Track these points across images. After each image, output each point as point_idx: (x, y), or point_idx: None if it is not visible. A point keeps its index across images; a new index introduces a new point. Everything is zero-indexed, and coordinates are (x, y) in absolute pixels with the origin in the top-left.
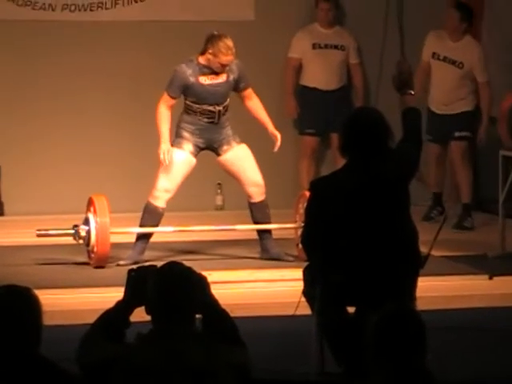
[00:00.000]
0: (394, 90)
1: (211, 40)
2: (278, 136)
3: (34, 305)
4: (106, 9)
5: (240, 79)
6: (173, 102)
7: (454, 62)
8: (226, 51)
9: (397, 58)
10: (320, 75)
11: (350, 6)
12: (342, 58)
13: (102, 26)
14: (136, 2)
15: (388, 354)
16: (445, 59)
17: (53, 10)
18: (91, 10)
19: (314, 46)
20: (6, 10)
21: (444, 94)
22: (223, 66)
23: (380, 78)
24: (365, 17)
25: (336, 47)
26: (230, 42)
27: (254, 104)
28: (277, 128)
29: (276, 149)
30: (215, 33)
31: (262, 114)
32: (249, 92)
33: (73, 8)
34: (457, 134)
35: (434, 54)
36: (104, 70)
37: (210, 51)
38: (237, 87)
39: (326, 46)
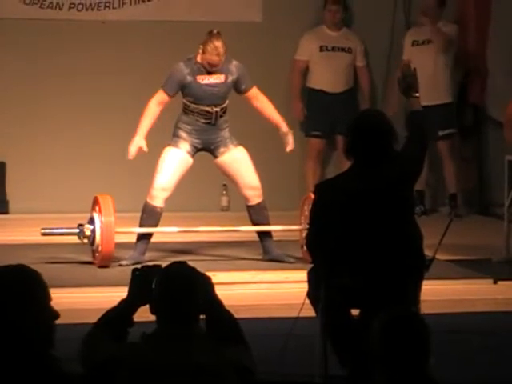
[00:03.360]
0: (400, 93)
1: (205, 39)
2: (291, 137)
3: (38, 287)
4: (113, 8)
5: (240, 81)
6: (166, 99)
7: (432, 42)
8: (211, 51)
9: (404, 62)
10: (327, 77)
11: (357, 8)
12: (348, 60)
13: (108, 25)
14: (143, 1)
15: (391, 358)
16: (424, 42)
17: (60, 8)
18: (98, 10)
19: (321, 49)
20: (13, 8)
21: (425, 78)
22: (210, 65)
23: (387, 80)
24: (372, 19)
25: (343, 50)
26: (218, 43)
27: (262, 103)
28: None
29: (288, 149)
30: (214, 31)
31: (271, 113)
32: (254, 92)
33: (80, 7)
34: (440, 132)
35: (413, 42)
36: (110, 70)
37: (201, 49)
38: (239, 89)
39: (333, 49)
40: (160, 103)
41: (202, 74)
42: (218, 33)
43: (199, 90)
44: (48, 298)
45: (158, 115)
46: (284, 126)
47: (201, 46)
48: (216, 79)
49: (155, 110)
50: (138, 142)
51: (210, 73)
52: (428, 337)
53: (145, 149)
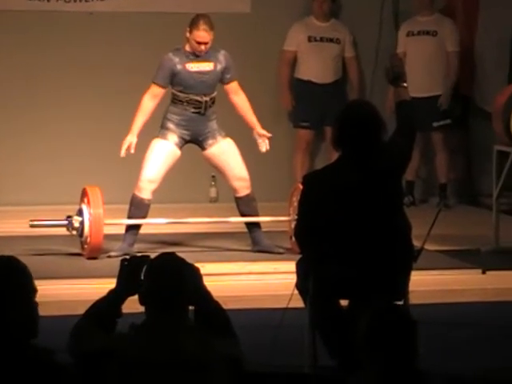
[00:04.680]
0: (388, 83)
1: (191, 21)
2: (266, 137)
3: (27, 279)
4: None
5: (226, 70)
6: (160, 91)
7: (427, 32)
8: (197, 26)
9: (392, 52)
10: (315, 68)
11: None
12: (337, 51)
13: (96, 16)
14: None
15: (378, 351)
16: (419, 33)
17: (48, 0)
18: (86, 1)
19: (310, 39)
20: None
21: (420, 69)
22: (199, 43)
23: (375, 71)
24: (360, 10)
25: (331, 40)
26: (205, 20)
27: (240, 100)
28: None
29: (264, 150)
30: (198, 13)
31: (247, 112)
32: (234, 86)
33: None
34: (435, 124)
35: (408, 32)
36: (98, 62)
37: (188, 30)
38: (222, 79)
39: (322, 39)
40: (154, 97)
41: (191, 61)
42: (204, 14)
43: (189, 77)
44: (34, 290)
45: (152, 110)
46: (258, 127)
47: (187, 29)
48: (205, 67)
49: (149, 105)
50: (132, 140)
51: (199, 60)
52: (414, 331)
53: (132, 150)
